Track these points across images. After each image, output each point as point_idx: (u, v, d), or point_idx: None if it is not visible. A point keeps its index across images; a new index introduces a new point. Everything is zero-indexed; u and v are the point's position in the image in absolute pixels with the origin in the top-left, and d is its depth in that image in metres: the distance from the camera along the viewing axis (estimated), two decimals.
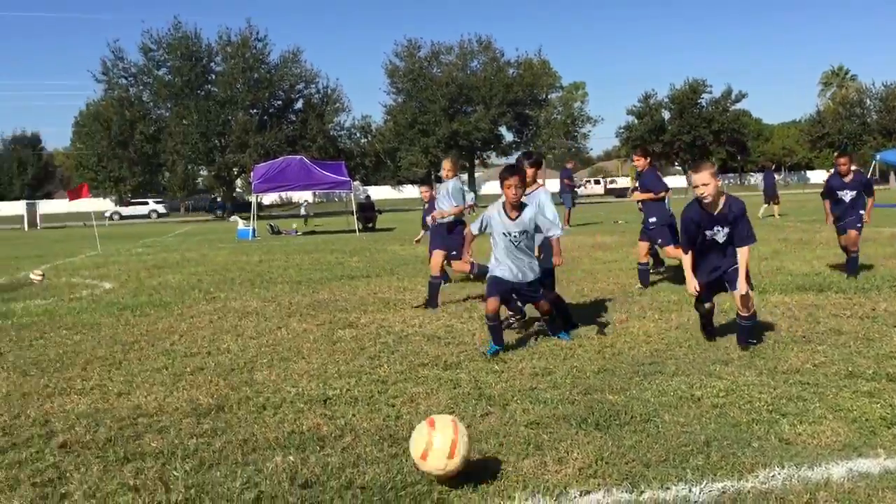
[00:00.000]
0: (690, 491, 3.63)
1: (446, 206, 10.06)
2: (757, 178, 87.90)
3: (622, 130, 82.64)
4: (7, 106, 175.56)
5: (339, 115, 70.86)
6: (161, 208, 74.48)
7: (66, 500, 3.77)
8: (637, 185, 11.23)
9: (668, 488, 3.67)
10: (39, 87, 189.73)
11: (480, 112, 72.81)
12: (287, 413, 5.14)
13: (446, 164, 10.34)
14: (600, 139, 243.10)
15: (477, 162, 77.01)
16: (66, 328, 8.89)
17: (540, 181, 7.86)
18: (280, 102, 68.80)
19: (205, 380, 6.13)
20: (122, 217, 71.03)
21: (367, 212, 31.81)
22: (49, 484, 3.99)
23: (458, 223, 10.17)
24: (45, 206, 74.45)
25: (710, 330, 7.01)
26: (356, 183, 42.41)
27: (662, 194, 10.50)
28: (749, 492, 3.60)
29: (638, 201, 11.02)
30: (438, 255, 10.10)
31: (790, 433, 4.38)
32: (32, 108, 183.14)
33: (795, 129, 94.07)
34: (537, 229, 6.99)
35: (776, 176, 27.82)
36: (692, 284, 6.67)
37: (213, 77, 66.74)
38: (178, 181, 66.90)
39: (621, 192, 75.99)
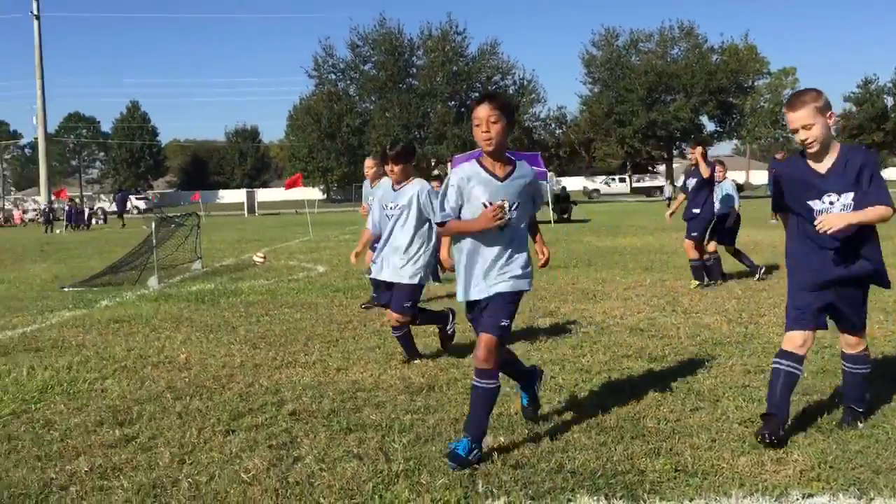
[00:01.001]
0: None
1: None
2: None
3: (838, 119, 76.80)
4: (230, 102, 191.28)
5: (535, 106, 71.01)
6: None
7: (298, 463, 4.10)
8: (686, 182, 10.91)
9: None
10: (258, 84, 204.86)
11: (680, 101, 70.26)
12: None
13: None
14: None
15: (676, 153, 74.44)
16: (287, 306, 9.60)
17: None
18: (477, 94, 69.84)
19: (416, 361, 6.42)
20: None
21: (563, 203, 31.72)
22: (283, 447, 4.37)
23: None
24: (262, 195, 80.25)
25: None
26: (551, 174, 42.51)
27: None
28: None
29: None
30: None
31: None
32: (252, 103, 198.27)
33: None
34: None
35: None
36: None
37: (415, 71, 68.96)
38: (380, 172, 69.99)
39: None
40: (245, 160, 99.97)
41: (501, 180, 4.23)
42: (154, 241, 13.20)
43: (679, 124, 69.99)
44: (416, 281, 6.41)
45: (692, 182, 10.54)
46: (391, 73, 66.58)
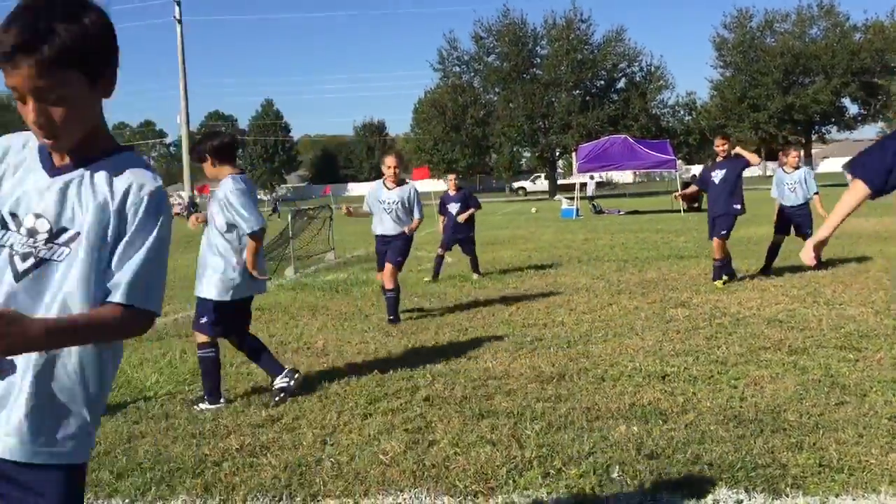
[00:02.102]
0: None
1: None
2: None
3: None
4: (357, 96, 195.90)
5: (663, 92, 69.03)
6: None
7: (434, 447, 4.22)
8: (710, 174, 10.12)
9: None
10: (385, 79, 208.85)
11: (820, 83, 66.63)
12: (626, 386, 5.25)
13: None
14: None
15: (815, 137, 70.75)
16: (417, 296, 9.81)
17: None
18: (602, 82, 68.69)
19: (544, 350, 6.45)
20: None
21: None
22: (418, 431, 4.50)
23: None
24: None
25: None
26: (679, 161, 41.23)
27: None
28: None
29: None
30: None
31: None
32: (379, 97, 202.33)
33: None
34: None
35: None
36: None
37: (538, 60, 68.46)
38: (505, 162, 69.92)
39: None
40: (373, 153, 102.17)
41: None
42: (290, 232, 13.75)
43: (818, 107, 66.42)
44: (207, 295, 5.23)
45: (719, 174, 9.80)
46: (515, 63, 66.35)
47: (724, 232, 9.79)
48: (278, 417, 4.88)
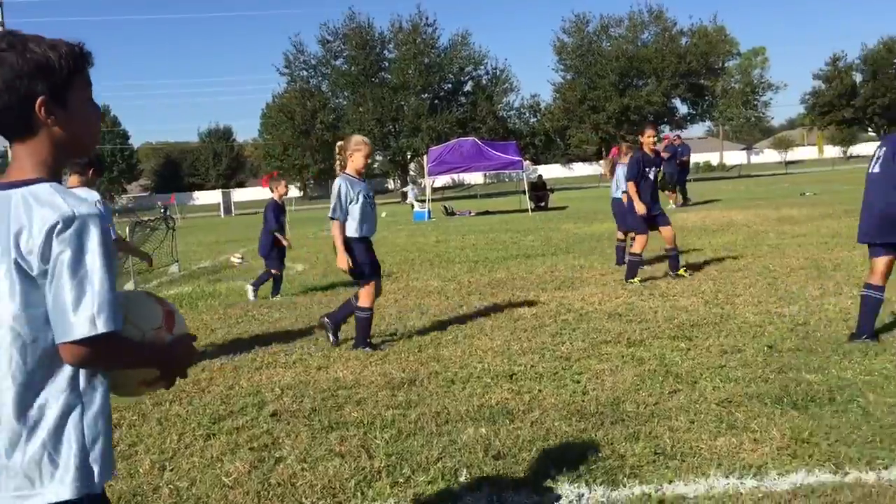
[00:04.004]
0: None
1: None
2: None
3: (808, 97, 77.60)
4: (203, 102, 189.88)
5: (508, 95, 71.03)
6: None
7: (280, 464, 4.10)
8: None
9: (875, 470, 3.50)
10: (231, 84, 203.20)
11: (652, 85, 70.59)
12: (475, 387, 5.31)
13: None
14: (783, 107, 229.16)
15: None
16: (266, 307, 9.56)
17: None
18: (450, 86, 69.82)
19: (395, 355, 6.43)
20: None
21: (539, 191, 31.78)
22: (264, 449, 4.36)
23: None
24: (238, 195, 79.72)
25: None
26: (527, 162, 42.44)
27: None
28: None
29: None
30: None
31: None
32: (225, 103, 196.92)
33: None
34: None
35: None
36: None
37: (387, 64, 68.76)
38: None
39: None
40: (219, 160, 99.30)
41: None
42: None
43: (652, 108, 70.32)
44: None
45: (654, 172, 9.84)
46: (363, 67, 66.34)
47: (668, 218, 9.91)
48: (112, 445, 4.60)
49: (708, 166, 78.45)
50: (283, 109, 69.94)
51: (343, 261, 6.60)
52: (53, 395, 1.78)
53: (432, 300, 9.24)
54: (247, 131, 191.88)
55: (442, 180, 75.04)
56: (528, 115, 75.86)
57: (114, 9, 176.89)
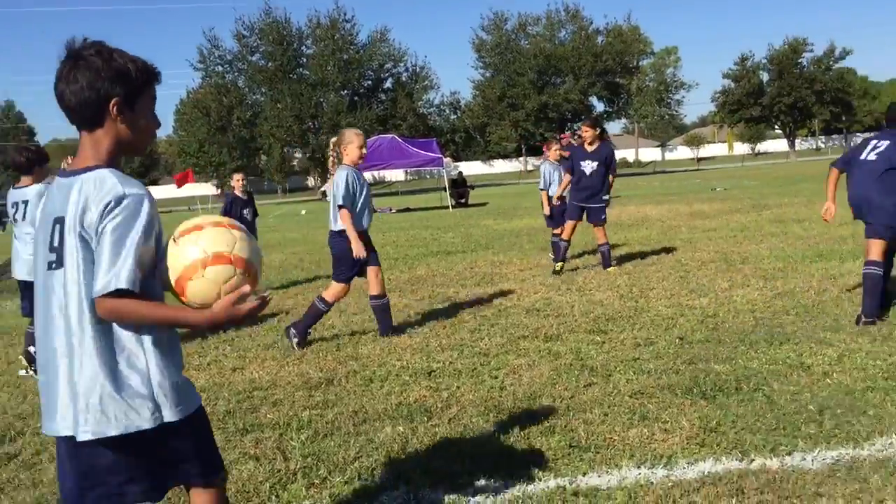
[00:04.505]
0: (804, 459, 3.58)
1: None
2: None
3: (718, 95, 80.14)
4: None
5: (428, 92, 71.12)
6: None
7: None
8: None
9: (779, 456, 3.63)
10: None
11: (570, 83, 71.80)
12: (394, 385, 5.29)
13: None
14: (695, 105, 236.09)
15: (568, 133, 76.13)
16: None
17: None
18: (370, 82, 69.50)
19: (313, 355, 6.35)
20: None
21: (460, 188, 31.94)
22: None
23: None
24: (152, 193, 77.53)
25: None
26: (448, 159, 42.60)
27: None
28: (865, 459, 3.53)
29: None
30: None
31: None
32: None
33: None
34: None
35: None
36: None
37: (305, 60, 67.95)
38: (275, 164, 68.66)
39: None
40: (132, 157, 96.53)
41: None
42: None
43: (570, 106, 71.54)
44: None
45: (592, 165, 9.84)
46: (280, 63, 65.39)
47: (604, 217, 9.96)
48: (15, 454, 4.42)
49: (624, 163, 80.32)
50: (198, 105, 68.34)
51: (360, 249, 6.54)
52: (119, 342, 2.15)
53: (351, 298, 9.13)
54: (161, 127, 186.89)
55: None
56: (448, 112, 76.19)
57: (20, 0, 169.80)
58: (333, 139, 6.94)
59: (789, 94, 74.89)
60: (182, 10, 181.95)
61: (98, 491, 2.18)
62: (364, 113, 63.74)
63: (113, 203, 2.11)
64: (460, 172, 37.75)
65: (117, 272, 2.06)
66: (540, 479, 3.56)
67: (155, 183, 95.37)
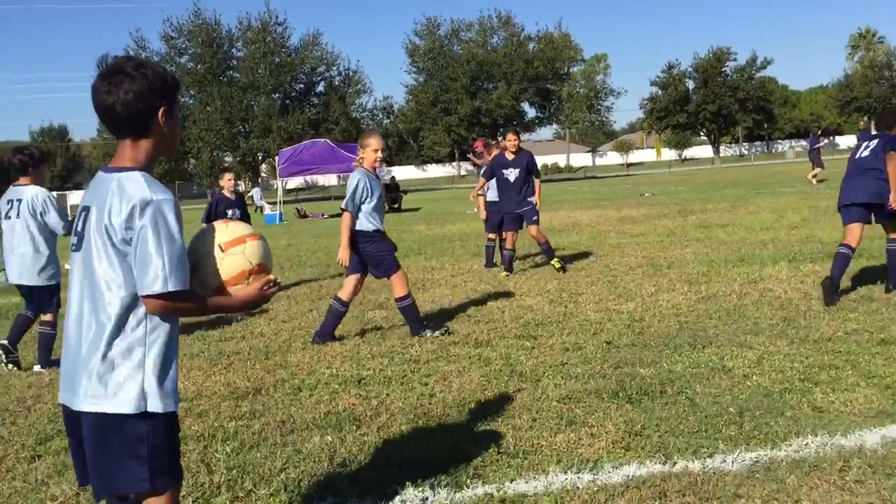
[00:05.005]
0: (724, 461, 3.66)
1: None
2: (785, 146, 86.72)
3: (646, 102, 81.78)
4: (34, 99, 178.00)
5: (361, 96, 70.69)
6: None
7: None
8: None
9: (701, 459, 3.71)
10: (65, 80, 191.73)
11: (502, 89, 72.37)
12: (323, 394, 5.23)
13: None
14: (624, 112, 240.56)
15: (500, 139, 76.79)
16: None
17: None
18: (302, 86, 68.79)
19: (241, 364, 6.25)
20: None
21: (393, 192, 31.88)
22: None
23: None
24: (75, 197, 75.36)
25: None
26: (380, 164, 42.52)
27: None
28: (782, 460, 3.63)
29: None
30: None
31: (823, 401, 4.40)
32: (59, 100, 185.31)
33: (823, 95, 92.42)
34: None
35: (821, 140, 26.97)
36: None
37: (235, 63, 66.91)
38: (205, 168, 67.40)
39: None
40: (54, 161, 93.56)
41: None
42: None
43: (502, 111, 72.10)
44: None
45: (514, 172, 10.09)
46: (210, 65, 64.22)
47: (535, 218, 10.08)
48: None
49: (556, 168, 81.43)
50: None
51: (346, 257, 6.87)
52: (127, 333, 2.36)
53: (281, 305, 9.05)
54: (83, 130, 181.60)
55: (295, 182, 73.98)
56: (381, 116, 75.90)
57: None
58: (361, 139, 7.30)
59: (714, 102, 76.89)
60: (108, 11, 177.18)
61: (91, 460, 2.39)
62: (296, 117, 63.06)
63: (141, 205, 2.32)
64: (393, 177, 37.69)
65: (168, 274, 2.30)
66: (468, 487, 3.57)
67: (79, 187, 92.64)
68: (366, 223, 6.89)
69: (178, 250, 2.35)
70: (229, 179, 10.39)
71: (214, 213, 9.97)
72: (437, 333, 6.77)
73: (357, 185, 6.84)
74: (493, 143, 13.65)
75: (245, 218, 10.35)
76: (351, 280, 7.04)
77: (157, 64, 2.49)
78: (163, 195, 2.35)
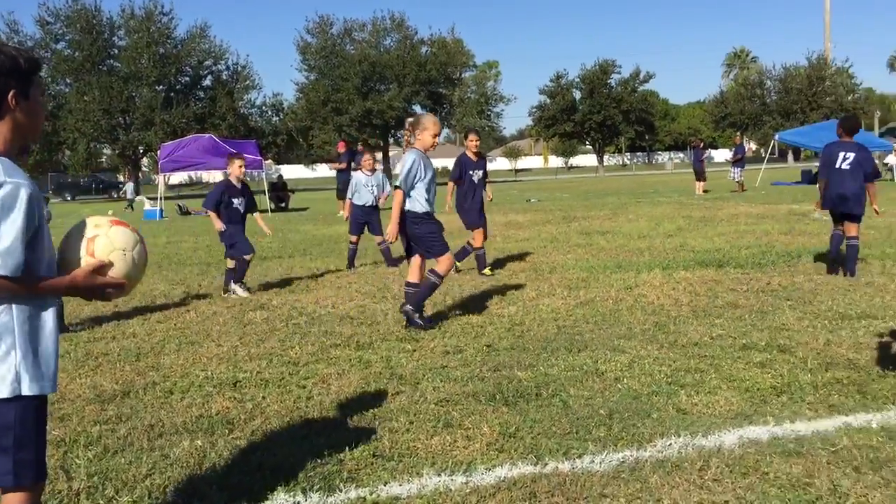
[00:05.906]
0: (592, 462, 3.76)
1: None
2: (664, 157, 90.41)
3: (535, 110, 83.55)
4: None
5: (250, 92, 69.22)
6: None
7: None
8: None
9: (571, 459, 3.80)
10: None
11: (394, 90, 72.35)
12: (195, 397, 5.07)
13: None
14: (514, 118, 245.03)
15: (391, 141, 76.72)
16: None
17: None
18: (188, 79, 66.74)
19: (109, 365, 5.99)
20: None
21: (280, 191, 31.36)
22: None
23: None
24: None
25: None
26: (268, 162, 41.39)
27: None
28: (647, 460, 3.76)
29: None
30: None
31: (687, 403, 4.59)
32: None
33: (700, 110, 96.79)
34: None
35: (706, 153, 28.31)
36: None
37: (116, 52, 64.29)
38: (80, 160, 64.37)
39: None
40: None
41: None
42: None
43: (393, 113, 72.05)
44: None
45: (478, 173, 10.22)
46: (88, 53, 61.46)
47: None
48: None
49: (447, 171, 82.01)
50: None
51: (394, 233, 6.93)
52: None
53: (157, 305, 8.73)
54: None
55: (178, 178, 71.66)
56: (270, 113, 74.52)
57: None
58: (410, 120, 7.33)
59: (599, 112, 79.30)
60: None
61: None
62: (181, 110, 61.14)
63: None
64: (280, 176, 37.10)
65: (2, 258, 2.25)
66: (341, 490, 3.53)
67: None
68: (416, 204, 6.94)
69: (20, 235, 2.29)
70: (240, 167, 9.67)
71: (218, 201, 9.57)
72: (426, 325, 6.87)
73: (412, 165, 6.88)
74: (356, 147, 13.48)
75: (251, 207, 10.07)
76: (415, 261, 7.16)
77: (21, 47, 2.43)
78: (20, 178, 2.32)
